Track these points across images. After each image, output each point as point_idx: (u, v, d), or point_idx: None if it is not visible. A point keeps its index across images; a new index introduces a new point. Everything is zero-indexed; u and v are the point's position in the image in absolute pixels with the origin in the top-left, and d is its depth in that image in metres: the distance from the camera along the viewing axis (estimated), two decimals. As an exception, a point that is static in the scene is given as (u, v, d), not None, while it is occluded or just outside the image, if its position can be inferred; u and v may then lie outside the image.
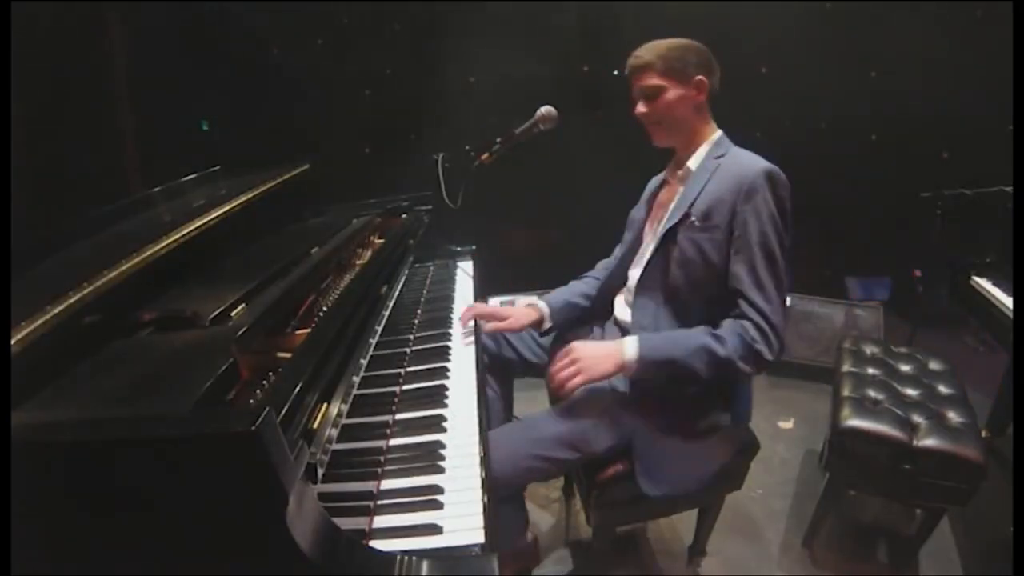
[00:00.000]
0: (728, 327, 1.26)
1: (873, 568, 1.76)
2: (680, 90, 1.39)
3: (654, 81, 1.38)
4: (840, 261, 3.17)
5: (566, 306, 1.58)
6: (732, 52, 2.77)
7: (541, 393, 1.65)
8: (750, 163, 1.33)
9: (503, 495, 1.29)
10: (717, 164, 1.38)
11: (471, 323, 1.47)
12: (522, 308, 1.56)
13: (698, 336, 1.27)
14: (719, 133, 1.45)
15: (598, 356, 1.27)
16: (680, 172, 1.46)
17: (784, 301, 1.29)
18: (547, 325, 1.55)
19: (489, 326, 1.50)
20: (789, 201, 1.32)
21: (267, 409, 0.66)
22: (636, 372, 1.27)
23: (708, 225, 1.33)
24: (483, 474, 0.99)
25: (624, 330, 1.46)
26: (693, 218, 1.34)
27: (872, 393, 1.72)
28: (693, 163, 1.43)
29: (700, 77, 1.39)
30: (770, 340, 1.24)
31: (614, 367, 1.26)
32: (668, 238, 1.38)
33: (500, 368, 1.58)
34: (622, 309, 1.50)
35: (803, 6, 2.71)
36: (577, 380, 1.24)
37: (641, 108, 1.43)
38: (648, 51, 1.40)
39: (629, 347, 1.27)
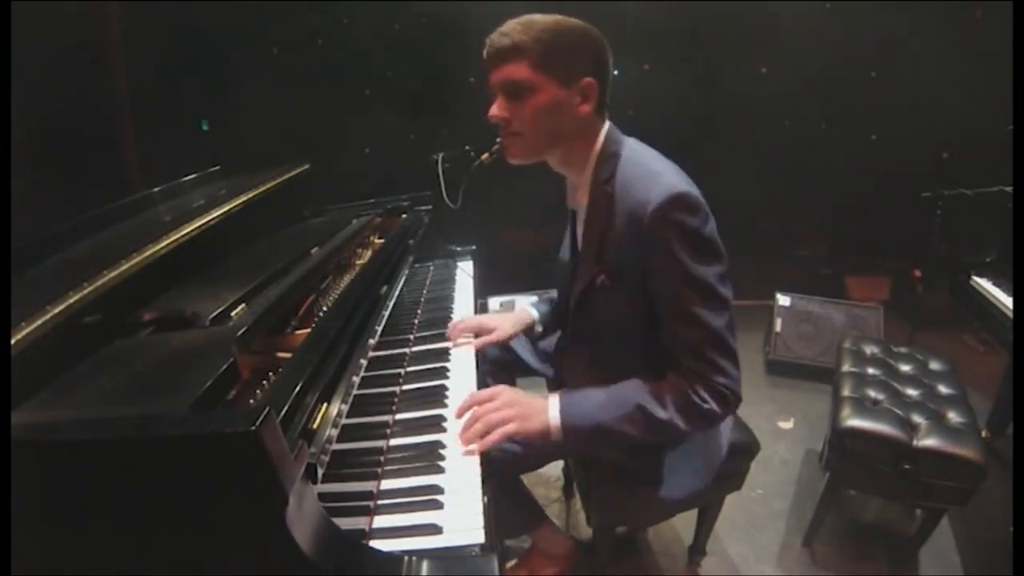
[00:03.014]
0: (671, 383, 1.08)
1: (873, 568, 1.76)
2: (559, 92, 1.05)
3: (523, 75, 1.04)
4: (840, 261, 3.17)
5: (552, 309, 1.53)
6: (732, 52, 2.81)
7: (544, 393, 1.65)
8: (641, 195, 1.04)
9: (497, 482, 1.27)
10: (608, 196, 1.10)
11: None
12: (510, 316, 1.48)
13: (632, 395, 1.08)
14: (601, 140, 1.13)
15: (529, 412, 1.10)
16: (576, 207, 1.22)
17: (731, 342, 1.06)
18: (538, 329, 1.53)
19: (477, 342, 1.37)
20: (702, 220, 1.03)
21: (267, 409, 0.66)
22: (563, 438, 1.10)
23: (620, 285, 1.11)
24: (483, 474, 0.99)
25: None
26: (603, 276, 1.13)
27: (872, 393, 1.72)
28: (583, 196, 1.17)
29: (589, 79, 1.06)
30: (724, 396, 1.06)
31: (541, 427, 1.09)
32: (582, 302, 1.20)
33: (503, 368, 1.57)
34: None
35: (803, 6, 2.71)
36: (510, 428, 1.06)
37: (497, 110, 1.09)
38: (521, 30, 1.03)
39: (552, 409, 1.10)
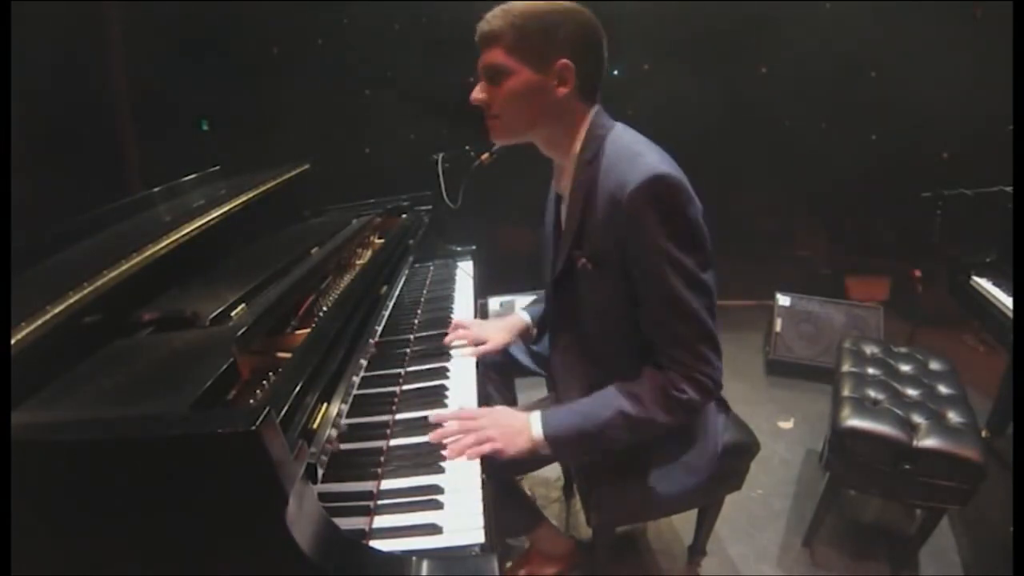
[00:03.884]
0: (647, 379, 1.09)
1: (873, 568, 1.75)
2: (532, 76, 1.06)
3: (500, 59, 1.06)
4: (840, 261, 3.17)
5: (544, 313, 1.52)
6: (732, 52, 2.81)
7: (542, 393, 1.65)
8: (621, 178, 1.03)
9: (497, 483, 1.27)
10: (591, 178, 1.10)
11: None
12: (503, 323, 1.49)
13: (611, 399, 1.10)
14: (587, 124, 1.12)
15: (512, 430, 1.10)
16: (561, 189, 1.21)
17: (711, 327, 1.06)
18: (533, 332, 1.52)
19: (475, 351, 1.36)
20: (683, 203, 1.02)
21: (267, 409, 0.66)
22: (550, 451, 1.12)
23: (602, 269, 1.11)
24: (483, 474, 0.99)
25: None
26: (584, 260, 1.13)
27: (872, 393, 1.72)
28: (567, 178, 1.16)
29: (564, 61, 1.05)
30: (704, 385, 1.06)
31: (527, 445, 1.10)
32: (562, 285, 1.20)
33: (501, 367, 1.57)
34: None
35: (803, 6, 2.71)
36: (492, 447, 1.05)
37: (477, 93, 1.10)
38: (500, 16, 1.06)
39: (535, 425, 1.11)
